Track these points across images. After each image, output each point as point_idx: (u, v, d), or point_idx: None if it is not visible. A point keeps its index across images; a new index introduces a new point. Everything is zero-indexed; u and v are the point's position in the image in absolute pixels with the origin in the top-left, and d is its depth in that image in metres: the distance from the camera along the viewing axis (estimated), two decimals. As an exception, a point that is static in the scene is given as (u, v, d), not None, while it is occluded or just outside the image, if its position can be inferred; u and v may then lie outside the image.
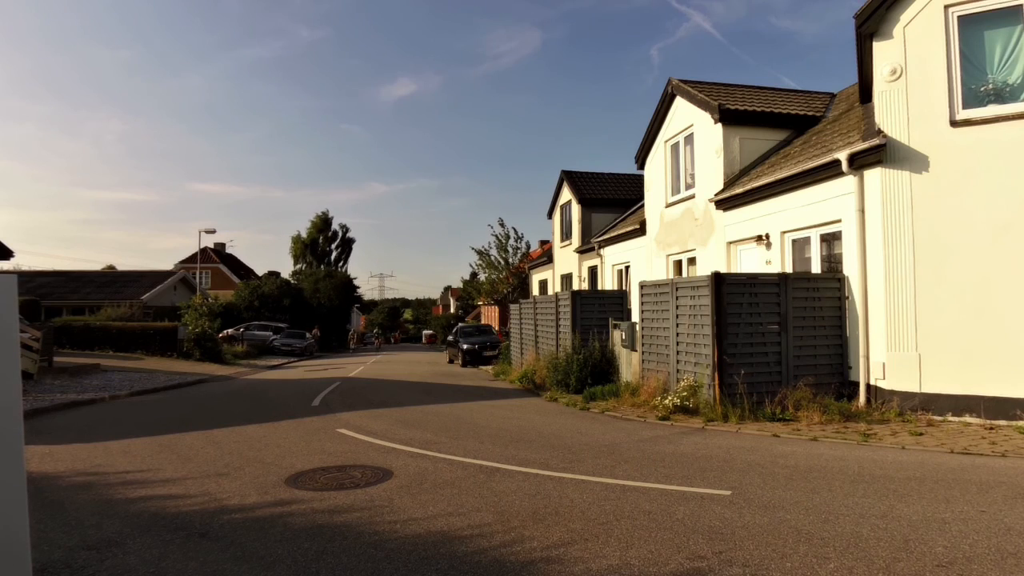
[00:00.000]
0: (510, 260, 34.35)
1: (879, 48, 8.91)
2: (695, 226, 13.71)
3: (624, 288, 17.43)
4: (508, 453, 7.06)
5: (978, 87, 8.31)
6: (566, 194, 23.98)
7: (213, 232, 37.04)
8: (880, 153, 8.59)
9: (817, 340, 9.32)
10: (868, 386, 8.81)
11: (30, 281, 32.34)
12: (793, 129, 13.10)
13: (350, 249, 65.13)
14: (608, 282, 19.52)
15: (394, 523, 4.62)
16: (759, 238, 11.31)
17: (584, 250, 21.73)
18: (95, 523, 4.75)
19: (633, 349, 11.69)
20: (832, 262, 9.98)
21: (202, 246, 39.09)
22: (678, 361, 9.95)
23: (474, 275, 41.35)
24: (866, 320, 8.91)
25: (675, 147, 14.92)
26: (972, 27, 8.33)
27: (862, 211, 8.89)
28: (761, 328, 9.13)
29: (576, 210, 22.64)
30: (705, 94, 13.32)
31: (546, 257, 28.33)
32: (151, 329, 24.98)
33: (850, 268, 9.23)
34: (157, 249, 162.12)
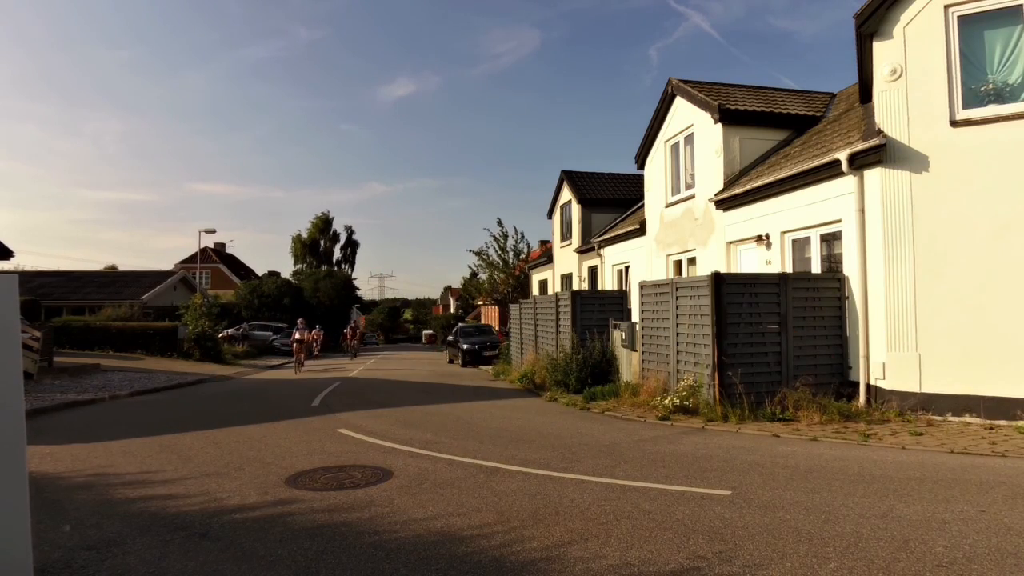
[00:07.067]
0: (510, 260, 34.25)
1: (879, 48, 8.91)
2: (695, 226, 13.71)
3: (624, 288, 17.43)
4: (508, 453, 7.06)
5: (978, 87, 8.31)
6: (566, 194, 23.98)
7: (213, 232, 37.08)
8: (880, 153, 8.59)
9: (817, 340, 9.32)
10: (868, 386, 8.81)
11: (30, 281, 32.34)
12: (793, 129, 13.09)
13: (355, 251, 65.03)
14: (608, 282, 19.52)
15: (394, 523, 4.62)
16: (759, 238, 11.31)
17: (584, 250, 21.73)
18: (95, 523, 4.75)
19: (633, 349, 11.69)
20: (832, 262, 9.98)
21: (202, 246, 39.10)
22: (678, 361, 9.95)
23: (474, 275, 41.21)
24: (866, 320, 8.91)
25: (675, 147, 14.92)
26: (972, 27, 8.33)
27: (862, 211, 8.89)
28: (761, 328, 9.13)
29: (576, 210, 22.64)
30: (705, 94, 13.32)
31: (546, 257, 28.32)
32: (151, 329, 24.98)
33: (850, 268, 9.23)
34: (157, 249, 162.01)
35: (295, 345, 22.61)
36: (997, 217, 7.91)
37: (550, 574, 3.66)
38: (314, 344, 30.24)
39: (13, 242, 18.52)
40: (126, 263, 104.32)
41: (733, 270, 12.13)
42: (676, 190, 14.86)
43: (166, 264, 62.16)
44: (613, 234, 18.86)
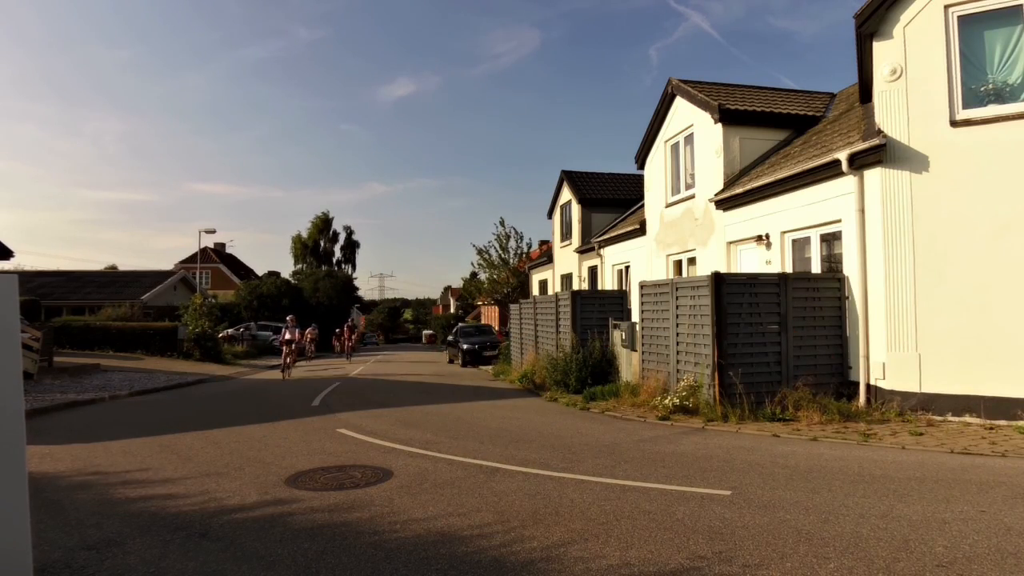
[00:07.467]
0: (510, 260, 34.38)
1: (879, 48, 8.91)
2: (695, 226, 13.71)
3: (624, 288, 17.43)
4: (508, 453, 7.06)
5: (978, 87, 8.31)
6: (566, 194, 23.98)
7: (213, 232, 37.10)
8: (880, 153, 8.59)
9: (817, 340, 9.32)
10: (868, 386, 8.81)
11: (30, 281, 32.33)
12: (793, 129, 13.10)
13: (355, 251, 65.15)
14: (608, 282, 19.52)
15: (394, 523, 4.62)
16: (759, 238, 11.31)
17: (584, 250, 21.73)
18: (95, 523, 4.75)
19: (633, 349, 11.69)
20: (832, 262, 9.98)
21: (202, 246, 39.09)
22: (678, 361, 9.95)
23: (474, 275, 41.30)
24: (866, 320, 8.91)
25: (675, 147, 14.92)
26: (972, 27, 8.33)
27: (862, 211, 8.89)
28: (761, 328, 9.13)
29: (576, 210, 22.64)
30: (705, 94, 13.32)
31: (546, 257, 28.32)
32: (151, 329, 24.99)
33: (850, 268, 9.23)
34: (157, 249, 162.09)
35: (284, 347, 19.68)
36: (997, 217, 7.91)
37: (550, 574, 3.66)
38: (307, 345, 30.14)
39: (13, 242, 18.51)
40: (126, 263, 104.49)
41: (733, 270, 12.13)
42: (676, 190, 14.86)
43: (166, 264, 62.22)
44: (613, 234, 18.86)
